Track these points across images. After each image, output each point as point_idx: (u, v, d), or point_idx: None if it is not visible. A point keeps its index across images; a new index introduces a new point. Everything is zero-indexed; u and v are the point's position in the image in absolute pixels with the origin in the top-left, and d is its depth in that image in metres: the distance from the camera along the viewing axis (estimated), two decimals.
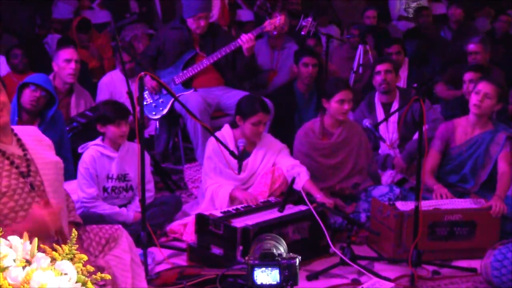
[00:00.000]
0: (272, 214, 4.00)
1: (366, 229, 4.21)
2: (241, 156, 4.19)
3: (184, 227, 4.29)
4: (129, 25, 8.09)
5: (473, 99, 4.40)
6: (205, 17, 5.52)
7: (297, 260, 2.39)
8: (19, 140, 2.68)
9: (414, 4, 9.41)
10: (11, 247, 1.96)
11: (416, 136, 4.83)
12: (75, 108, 5.28)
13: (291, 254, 2.44)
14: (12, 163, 2.57)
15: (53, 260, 1.99)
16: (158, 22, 8.46)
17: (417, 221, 3.74)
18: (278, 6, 8.54)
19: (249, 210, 4.07)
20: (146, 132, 5.93)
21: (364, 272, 3.76)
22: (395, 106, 5.24)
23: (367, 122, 4.43)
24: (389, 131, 5.25)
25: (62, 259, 1.98)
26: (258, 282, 2.36)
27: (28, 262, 1.95)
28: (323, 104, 4.64)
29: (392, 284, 3.67)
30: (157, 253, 3.92)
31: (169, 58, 5.58)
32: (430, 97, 6.04)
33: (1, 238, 1.97)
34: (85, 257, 2.02)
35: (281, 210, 3.96)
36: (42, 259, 1.96)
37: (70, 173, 4.31)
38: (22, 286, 1.85)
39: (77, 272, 1.97)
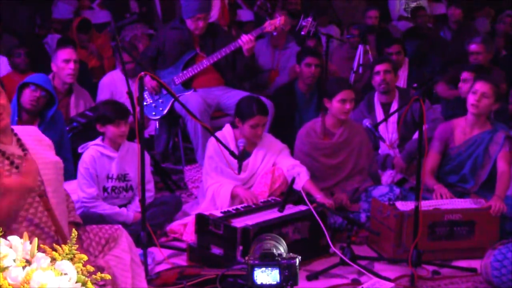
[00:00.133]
0: (272, 214, 4.00)
1: (366, 229, 4.22)
2: (241, 156, 4.19)
3: (184, 227, 4.29)
4: (129, 25, 8.09)
5: (471, 99, 4.40)
6: (204, 18, 5.51)
7: (297, 260, 2.39)
8: (19, 140, 2.68)
9: (414, 4, 9.42)
10: (11, 247, 1.96)
11: (415, 136, 4.83)
12: (74, 108, 5.28)
13: (291, 254, 2.44)
14: (12, 163, 2.57)
15: (53, 260, 1.99)
16: (158, 22, 8.45)
17: (417, 221, 3.74)
18: (278, 6, 8.54)
19: (249, 210, 4.07)
20: (146, 132, 5.93)
21: (364, 272, 3.76)
22: (394, 106, 5.24)
23: (367, 122, 4.43)
24: (388, 131, 5.25)
25: (62, 259, 1.98)
26: (258, 282, 2.35)
27: (28, 262, 1.95)
28: (324, 103, 4.64)
29: (392, 284, 3.67)
30: (157, 253, 3.92)
31: (169, 58, 5.57)
32: (430, 97, 6.05)
33: (1, 238, 1.97)
34: (85, 257, 2.02)
35: (281, 210, 3.96)
36: (42, 259, 1.96)
37: (70, 173, 4.31)
38: (22, 286, 1.85)
39: (77, 272, 1.97)
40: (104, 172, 4.26)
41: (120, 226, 2.91)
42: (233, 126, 4.51)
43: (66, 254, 2.00)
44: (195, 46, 5.59)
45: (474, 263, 3.89)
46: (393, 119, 5.20)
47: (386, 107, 5.28)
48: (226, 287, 3.37)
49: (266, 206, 4.15)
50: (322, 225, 3.91)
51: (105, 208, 4.20)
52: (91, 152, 4.25)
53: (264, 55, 6.67)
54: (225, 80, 5.66)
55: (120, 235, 2.84)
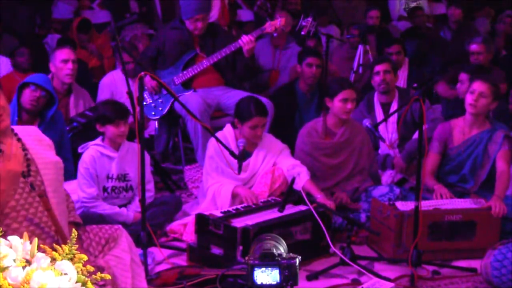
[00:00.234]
0: (272, 214, 4.00)
1: (366, 229, 4.21)
2: (241, 156, 4.19)
3: (184, 227, 4.29)
4: (129, 25, 8.09)
5: (468, 99, 4.41)
6: (202, 19, 5.50)
7: (297, 260, 2.39)
8: (19, 140, 2.69)
9: (413, 4, 9.42)
10: (11, 247, 1.96)
11: (415, 136, 4.83)
12: (74, 109, 5.28)
13: (291, 254, 2.44)
14: None
15: (53, 260, 1.99)
16: (158, 22, 8.45)
17: (417, 221, 3.74)
18: (278, 6, 8.54)
19: (249, 210, 4.07)
20: (146, 132, 5.93)
21: (364, 272, 3.76)
22: (394, 106, 5.24)
23: (367, 122, 4.44)
24: (388, 131, 5.25)
25: (62, 259, 1.98)
26: (258, 282, 2.35)
27: (28, 262, 1.95)
28: (326, 103, 4.64)
29: (392, 284, 3.67)
30: (157, 253, 3.92)
31: (169, 59, 5.57)
32: (430, 97, 6.05)
33: (1, 238, 1.97)
34: (85, 257, 2.02)
35: (281, 210, 3.96)
36: (42, 259, 1.96)
37: (70, 173, 4.31)
38: (22, 286, 1.85)
39: (77, 272, 1.97)
40: (104, 172, 4.26)
41: (120, 226, 2.91)
42: (234, 126, 4.51)
43: (66, 254, 2.00)
44: (195, 46, 5.59)
45: (474, 263, 3.89)
46: (393, 119, 5.20)
47: (386, 107, 5.28)
48: (226, 287, 3.37)
49: (266, 206, 4.15)
50: (322, 225, 3.91)
51: (105, 208, 4.20)
52: (91, 152, 4.25)
53: (264, 55, 6.67)
54: (225, 80, 5.65)
55: (120, 235, 2.84)
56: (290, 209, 4.05)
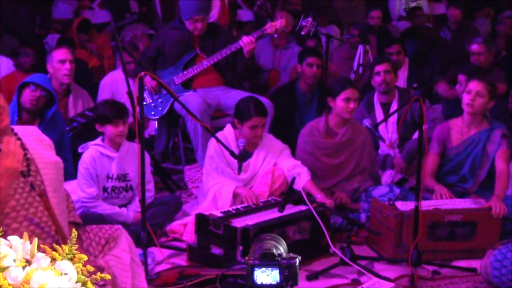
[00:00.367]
0: (272, 214, 4.00)
1: (366, 229, 4.22)
2: (241, 156, 4.19)
3: (184, 227, 4.29)
4: (129, 25, 8.09)
5: (465, 99, 4.42)
6: (202, 19, 5.50)
7: (297, 260, 2.39)
8: (19, 139, 2.69)
9: (413, 4, 9.43)
10: (11, 247, 1.96)
11: (415, 136, 4.83)
12: (73, 109, 5.28)
13: (291, 254, 2.44)
14: None
15: (53, 260, 1.99)
16: (158, 22, 8.46)
17: (417, 221, 3.74)
18: (278, 6, 8.54)
19: (249, 210, 4.07)
20: (146, 132, 5.93)
21: (364, 272, 3.76)
22: (394, 106, 5.25)
23: (367, 122, 4.44)
24: (388, 131, 5.25)
25: (62, 259, 1.98)
26: (258, 282, 2.35)
27: (28, 262, 1.95)
28: (328, 103, 4.64)
29: (392, 284, 3.67)
30: (157, 253, 3.92)
31: (169, 59, 5.57)
32: (430, 97, 6.05)
33: (1, 238, 1.97)
34: (85, 257, 2.02)
35: (281, 210, 3.96)
36: (42, 259, 1.96)
37: (70, 173, 4.31)
38: (22, 286, 1.85)
39: (77, 272, 1.97)
40: (104, 172, 4.26)
41: (120, 226, 2.91)
42: (234, 126, 4.50)
43: (66, 254, 2.00)
44: (195, 46, 5.58)
45: (474, 263, 3.89)
46: (393, 119, 5.20)
47: (386, 107, 5.28)
48: (226, 287, 3.37)
49: (266, 206, 4.15)
50: (322, 225, 3.91)
51: (105, 208, 4.20)
52: (91, 152, 4.25)
53: (265, 55, 6.67)
54: (225, 80, 5.65)
55: (120, 235, 2.85)
56: (290, 209, 4.05)
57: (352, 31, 7.30)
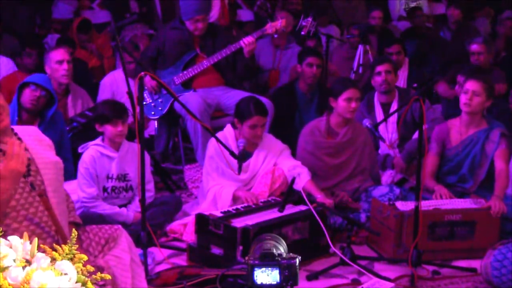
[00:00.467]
0: (272, 214, 4.00)
1: (366, 229, 4.21)
2: (241, 156, 4.19)
3: (184, 227, 4.29)
4: (129, 25, 8.09)
5: (463, 99, 4.43)
6: (203, 19, 5.50)
7: (297, 260, 2.39)
8: (19, 139, 2.69)
9: (413, 4, 9.43)
10: (11, 247, 1.96)
11: (415, 136, 4.83)
12: (72, 108, 5.27)
13: (291, 254, 2.44)
14: None
15: (53, 260, 1.99)
16: (158, 22, 8.46)
17: (417, 221, 3.74)
18: (278, 6, 8.54)
19: (249, 210, 4.06)
20: (146, 132, 5.92)
21: (364, 272, 3.76)
22: (394, 106, 5.25)
23: (367, 122, 4.44)
24: (388, 131, 5.25)
25: (62, 259, 1.98)
26: (258, 282, 2.35)
27: (28, 262, 1.95)
28: (330, 103, 4.64)
29: (392, 284, 3.67)
30: (157, 253, 3.92)
31: (169, 59, 5.57)
32: (430, 97, 6.05)
33: (1, 238, 1.97)
34: (85, 257, 2.03)
35: (281, 210, 3.96)
36: (42, 259, 1.97)
37: (70, 173, 4.31)
38: (22, 286, 1.85)
39: (77, 272, 1.97)
40: (104, 172, 4.26)
41: (119, 226, 2.92)
42: (234, 126, 4.50)
43: (66, 254, 2.00)
44: (195, 46, 5.58)
45: (474, 263, 3.89)
46: (393, 119, 5.20)
47: (386, 107, 5.28)
48: (226, 287, 3.37)
49: (266, 206, 4.15)
50: (322, 225, 3.91)
51: (105, 208, 4.20)
52: (91, 152, 4.25)
53: (265, 55, 6.67)
54: (225, 80, 5.65)
55: (119, 235, 2.85)
56: (290, 209, 4.05)
57: (352, 31, 7.30)
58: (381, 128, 5.09)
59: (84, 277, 1.98)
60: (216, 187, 4.39)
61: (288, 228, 3.91)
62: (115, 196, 4.31)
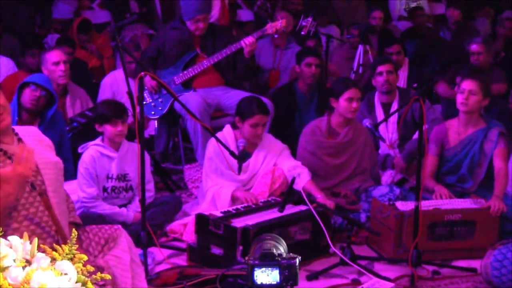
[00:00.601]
0: (272, 214, 4.00)
1: (366, 229, 4.21)
2: (241, 156, 4.19)
3: (184, 227, 4.29)
4: (129, 25, 8.09)
5: (459, 98, 4.43)
6: (203, 19, 5.50)
7: (297, 260, 2.39)
8: (20, 140, 2.69)
9: (414, 4, 9.42)
10: (11, 247, 1.96)
11: (415, 136, 4.83)
12: (71, 108, 5.27)
13: (291, 254, 2.44)
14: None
15: (53, 260, 1.99)
16: (158, 22, 8.45)
17: (417, 221, 3.74)
18: (278, 6, 8.54)
19: (249, 210, 4.06)
20: (146, 132, 5.92)
21: (364, 272, 3.76)
22: (394, 106, 5.25)
23: (367, 122, 4.44)
24: (388, 131, 5.25)
25: (62, 259, 1.98)
26: (258, 282, 2.35)
27: (28, 262, 1.95)
28: (331, 103, 4.64)
29: (392, 284, 3.67)
30: (157, 253, 3.92)
31: (169, 59, 5.57)
32: (430, 97, 6.05)
33: (1, 238, 1.97)
34: (85, 257, 2.03)
35: (281, 210, 3.96)
36: (42, 259, 1.97)
37: (70, 173, 4.30)
38: (22, 286, 1.85)
39: (77, 272, 1.97)
40: (104, 172, 4.26)
41: (119, 226, 2.92)
42: (234, 127, 4.50)
43: (66, 254, 2.00)
44: (196, 46, 5.58)
45: (474, 263, 3.89)
46: (393, 119, 5.20)
47: (386, 107, 5.28)
48: (226, 287, 3.37)
49: (266, 206, 4.15)
50: (322, 225, 3.91)
51: (105, 208, 4.20)
52: (91, 152, 4.25)
53: (265, 55, 6.67)
54: (225, 80, 5.65)
55: (119, 235, 2.85)
56: (290, 209, 4.05)
57: (352, 31, 7.30)
58: (381, 128, 5.09)
59: (84, 277, 1.98)
60: (214, 187, 4.39)
61: (289, 228, 3.91)
62: (115, 196, 4.31)
